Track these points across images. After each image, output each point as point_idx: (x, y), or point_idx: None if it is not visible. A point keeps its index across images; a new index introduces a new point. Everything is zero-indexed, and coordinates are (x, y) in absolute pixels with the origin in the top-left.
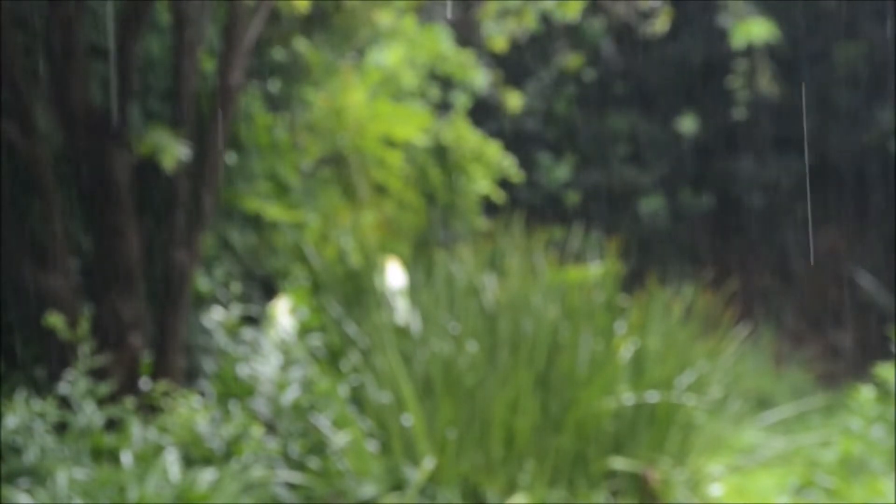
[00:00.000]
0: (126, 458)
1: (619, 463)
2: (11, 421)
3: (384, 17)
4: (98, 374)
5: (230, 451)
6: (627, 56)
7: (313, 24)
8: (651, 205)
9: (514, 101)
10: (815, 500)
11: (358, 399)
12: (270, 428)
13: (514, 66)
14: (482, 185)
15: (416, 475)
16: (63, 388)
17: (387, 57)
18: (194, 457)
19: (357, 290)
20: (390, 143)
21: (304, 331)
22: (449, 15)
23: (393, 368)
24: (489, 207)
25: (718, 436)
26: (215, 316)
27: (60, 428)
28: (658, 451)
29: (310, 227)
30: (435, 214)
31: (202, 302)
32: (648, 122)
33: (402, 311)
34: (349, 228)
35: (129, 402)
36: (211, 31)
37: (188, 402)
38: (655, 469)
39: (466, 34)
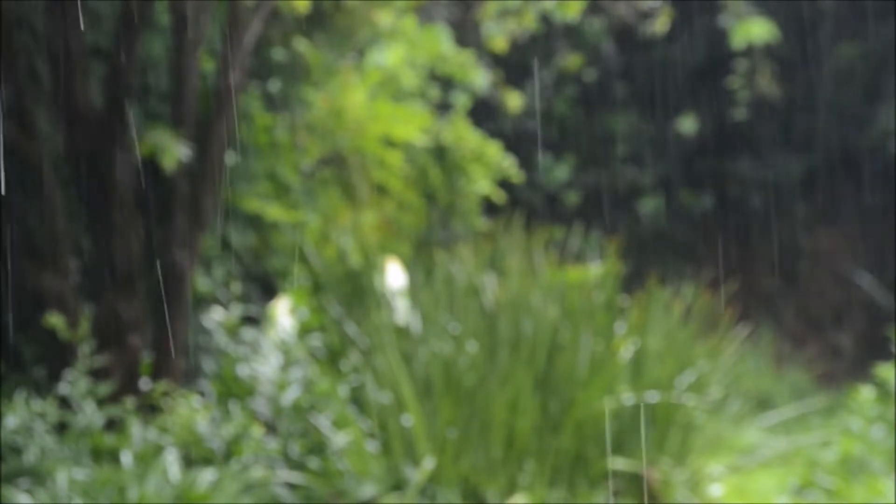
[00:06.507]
0: (126, 458)
1: (619, 463)
2: (11, 421)
3: (384, 17)
4: (98, 375)
5: (230, 451)
6: (627, 56)
7: (313, 24)
8: (650, 205)
9: (514, 101)
10: (815, 500)
11: (358, 399)
12: (270, 428)
13: (514, 66)
14: (482, 185)
15: (416, 475)
16: (63, 388)
17: (387, 57)
18: (194, 457)
19: (357, 290)
20: (390, 143)
21: (304, 331)
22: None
23: (393, 368)
24: (489, 208)
25: (718, 436)
26: (215, 316)
27: (60, 428)
28: (658, 451)
29: (310, 227)
30: (435, 214)
31: (202, 302)
32: (648, 122)
33: (402, 311)
34: (349, 228)
35: (129, 402)
36: (211, 31)
37: (188, 403)
38: (655, 469)
39: (466, 34)
